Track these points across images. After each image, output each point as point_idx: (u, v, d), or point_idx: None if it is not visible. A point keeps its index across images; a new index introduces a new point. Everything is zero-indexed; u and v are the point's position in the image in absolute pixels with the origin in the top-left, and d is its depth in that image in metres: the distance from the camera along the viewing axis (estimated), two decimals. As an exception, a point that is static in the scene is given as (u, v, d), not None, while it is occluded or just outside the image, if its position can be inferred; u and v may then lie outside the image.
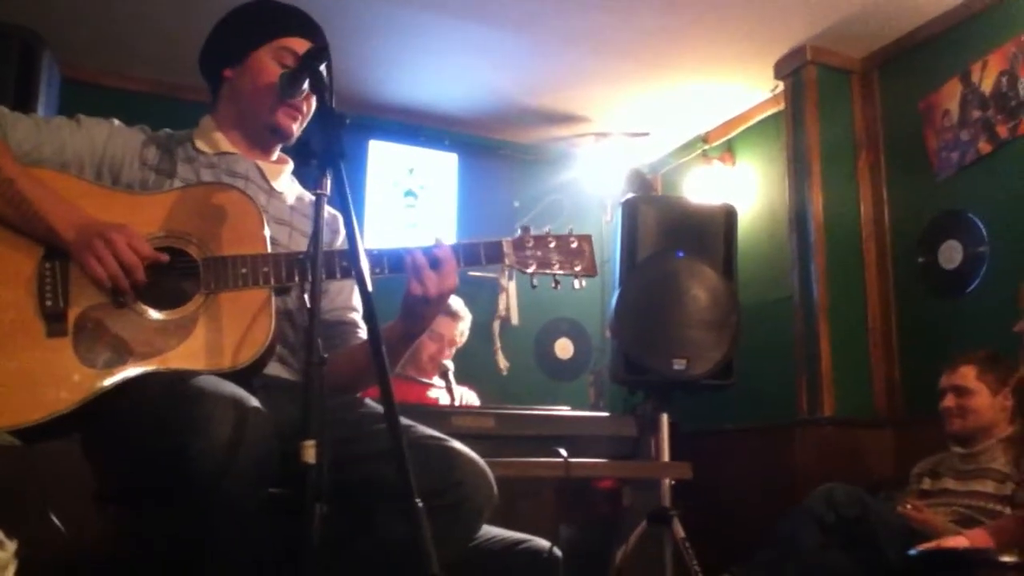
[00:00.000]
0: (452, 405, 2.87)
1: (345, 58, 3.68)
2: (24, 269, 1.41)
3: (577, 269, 1.63)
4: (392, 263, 1.55)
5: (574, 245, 1.64)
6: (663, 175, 4.70)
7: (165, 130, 1.70)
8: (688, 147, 4.49)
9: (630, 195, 4.13)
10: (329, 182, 1.36)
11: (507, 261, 1.61)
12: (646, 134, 4.45)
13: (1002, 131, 3.06)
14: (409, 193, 4.30)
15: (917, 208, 3.39)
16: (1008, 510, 2.36)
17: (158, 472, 1.22)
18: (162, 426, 1.23)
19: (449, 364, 3.16)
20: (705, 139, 4.36)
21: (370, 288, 1.32)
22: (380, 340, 1.26)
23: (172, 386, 1.29)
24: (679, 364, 2.98)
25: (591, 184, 4.54)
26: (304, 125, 1.73)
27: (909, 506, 2.49)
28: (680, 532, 2.94)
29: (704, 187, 4.25)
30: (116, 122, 1.63)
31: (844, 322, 3.48)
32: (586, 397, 4.33)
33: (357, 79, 3.96)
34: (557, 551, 2.41)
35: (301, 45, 1.68)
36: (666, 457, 2.99)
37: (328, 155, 1.34)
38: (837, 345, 3.46)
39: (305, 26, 1.74)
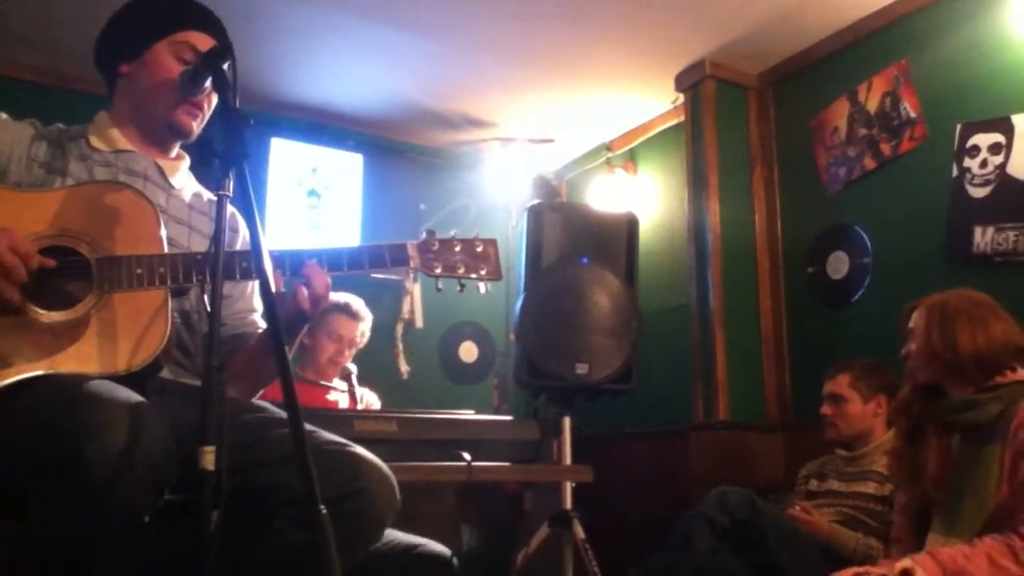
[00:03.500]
0: (354, 409, 2.84)
1: (249, 54, 3.59)
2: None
3: (482, 273, 1.65)
4: (293, 265, 1.54)
5: (479, 249, 1.65)
6: (568, 181, 4.77)
7: (57, 125, 1.63)
8: (592, 155, 4.57)
9: (536, 201, 4.18)
10: (231, 183, 1.33)
11: (412, 264, 1.61)
12: (551, 141, 4.50)
13: (886, 149, 3.23)
14: (312, 193, 4.23)
15: (807, 220, 3.54)
16: (888, 510, 2.47)
17: (49, 479, 1.17)
18: (54, 432, 1.18)
19: (352, 367, 3.13)
20: (609, 147, 4.44)
21: (273, 289, 1.30)
22: (283, 343, 1.24)
23: (64, 390, 1.24)
24: (581, 368, 3.04)
25: (497, 189, 4.57)
26: (204, 123, 1.69)
27: (798, 507, 2.59)
28: (580, 534, 2.98)
29: (607, 194, 4.33)
30: (3, 115, 1.55)
31: (738, 330, 3.60)
32: (490, 401, 4.35)
33: (261, 76, 3.88)
34: (455, 560, 2.41)
35: (200, 39, 1.65)
36: (568, 461, 3.04)
37: (231, 156, 1.31)
38: (732, 352, 3.57)
39: (204, 20, 1.70)
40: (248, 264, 1.48)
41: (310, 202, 4.23)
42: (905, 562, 1.84)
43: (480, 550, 2.93)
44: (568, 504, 3.05)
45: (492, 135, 4.49)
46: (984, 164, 2.87)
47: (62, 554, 1.22)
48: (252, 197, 1.29)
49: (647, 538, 2.83)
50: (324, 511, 1.14)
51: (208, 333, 1.26)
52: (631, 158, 4.37)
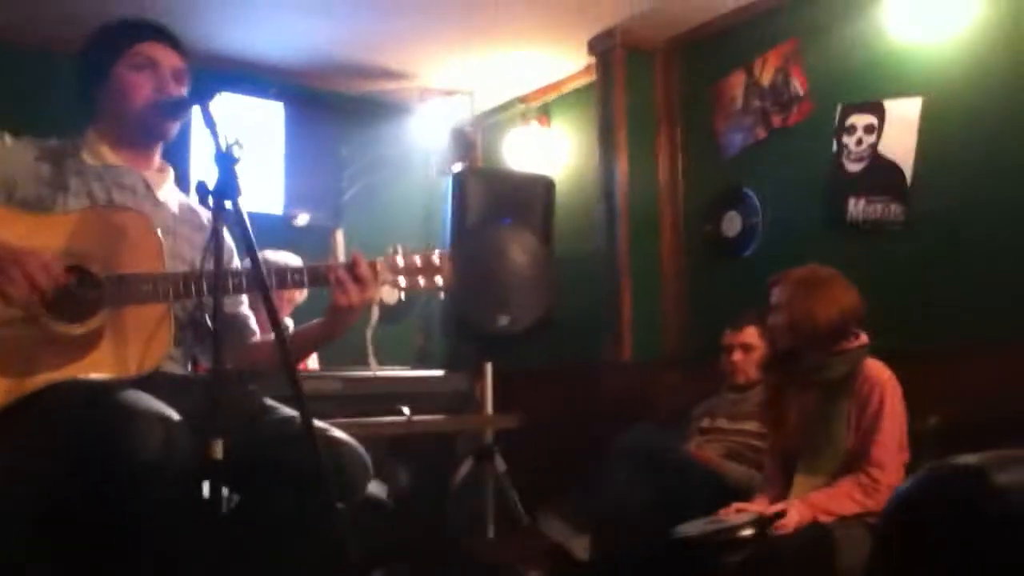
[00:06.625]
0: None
1: (169, 4, 3.64)
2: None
3: (438, 283, 1.88)
4: (312, 277, 1.77)
5: (436, 262, 1.88)
6: (484, 132, 4.96)
7: (51, 140, 1.79)
8: (507, 107, 4.77)
9: (458, 164, 4.41)
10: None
11: (380, 280, 1.82)
12: (469, 92, 4.69)
13: (776, 121, 3.58)
14: (235, 143, 4.30)
15: (706, 181, 3.88)
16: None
17: (91, 481, 1.39)
18: (93, 440, 1.39)
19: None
20: (524, 100, 4.66)
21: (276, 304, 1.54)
22: (288, 348, 1.49)
23: (95, 398, 1.46)
24: (503, 320, 3.36)
25: (416, 137, 4.75)
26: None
27: (692, 445, 2.99)
28: (501, 467, 3.35)
29: (522, 146, 4.57)
30: (7, 138, 1.71)
31: (643, 279, 3.95)
32: (413, 343, 4.58)
33: (181, 25, 3.88)
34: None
35: (152, 48, 1.85)
36: (490, 404, 3.38)
37: (224, 192, 1.52)
38: (636, 298, 3.92)
39: (151, 31, 1.89)
40: (239, 280, 1.71)
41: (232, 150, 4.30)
42: (780, 505, 2.25)
43: (414, 492, 3.24)
44: (489, 439, 3.40)
45: (411, 85, 4.64)
46: (860, 142, 3.25)
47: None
48: (249, 226, 1.51)
49: (562, 470, 3.18)
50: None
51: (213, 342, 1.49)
52: (545, 112, 4.60)
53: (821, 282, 2.45)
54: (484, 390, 3.46)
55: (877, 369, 2.40)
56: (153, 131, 1.83)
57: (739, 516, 2.31)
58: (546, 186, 3.53)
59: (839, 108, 3.31)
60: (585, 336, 4.07)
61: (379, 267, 1.83)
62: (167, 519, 1.47)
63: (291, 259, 3.40)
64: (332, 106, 4.65)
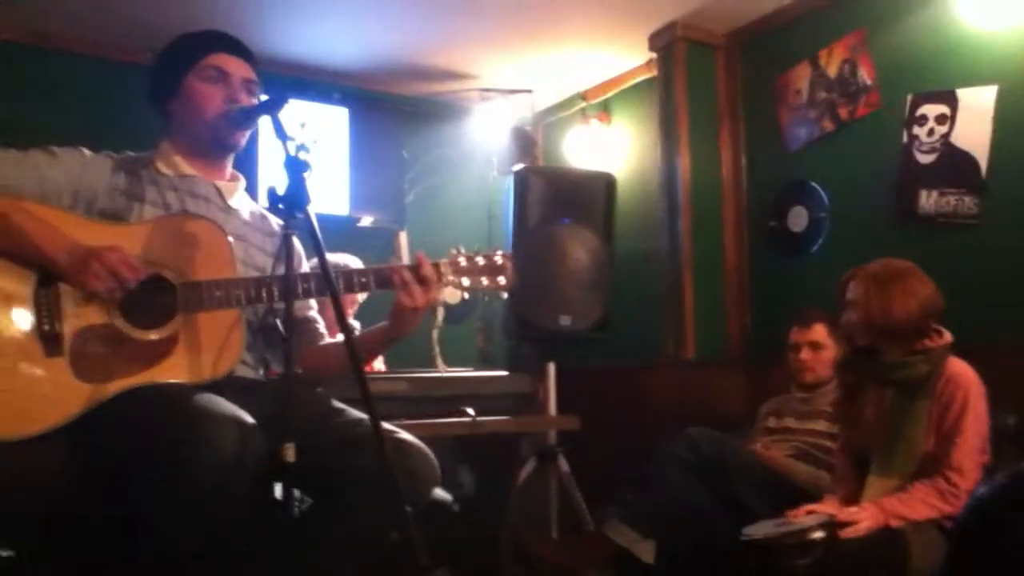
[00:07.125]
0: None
1: (237, 12, 3.73)
2: (21, 294, 1.57)
3: (501, 283, 1.89)
4: (378, 280, 1.78)
5: (499, 262, 1.89)
6: (545, 130, 4.97)
7: (127, 153, 1.86)
8: (567, 104, 4.76)
9: (519, 163, 4.42)
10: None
11: (444, 281, 1.84)
12: (528, 91, 4.69)
13: (843, 113, 3.50)
14: (302, 147, 4.38)
15: (770, 176, 3.81)
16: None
17: (168, 484, 1.43)
18: (171, 443, 1.44)
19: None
20: (584, 97, 4.64)
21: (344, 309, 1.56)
22: (357, 351, 1.51)
23: (172, 402, 1.50)
24: (565, 320, 3.36)
25: (477, 137, 4.77)
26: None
27: (759, 445, 2.95)
28: (564, 467, 3.35)
29: (582, 143, 4.55)
30: (87, 152, 1.78)
31: (705, 275, 3.90)
32: (475, 342, 4.62)
33: (248, 33, 3.97)
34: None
35: (222, 59, 1.89)
36: (553, 405, 3.37)
37: (294, 199, 1.55)
38: (699, 296, 3.88)
39: (223, 43, 1.93)
40: (309, 285, 1.74)
41: (300, 156, 4.38)
42: (852, 509, 2.20)
43: (478, 490, 3.26)
44: (553, 440, 3.40)
45: (472, 86, 4.66)
46: (931, 133, 3.15)
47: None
48: (318, 233, 1.54)
49: (621, 468, 3.15)
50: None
51: (284, 348, 1.52)
52: (605, 108, 4.58)
53: (897, 275, 2.36)
54: (547, 391, 3.45)
55: (961, 369, 2.30)
56: (225, 142, 1.88)
57: (809, 518, 2.26)
58: (607, 183, 3.50)
59: (909, 98, 3.21)
60: (646, 335, 4.05)
61: (443, 268, 1.85)
62: (240, 520, 1.51)
63: (350, 260, 3.45)
64: (394, 109, 4.70)
